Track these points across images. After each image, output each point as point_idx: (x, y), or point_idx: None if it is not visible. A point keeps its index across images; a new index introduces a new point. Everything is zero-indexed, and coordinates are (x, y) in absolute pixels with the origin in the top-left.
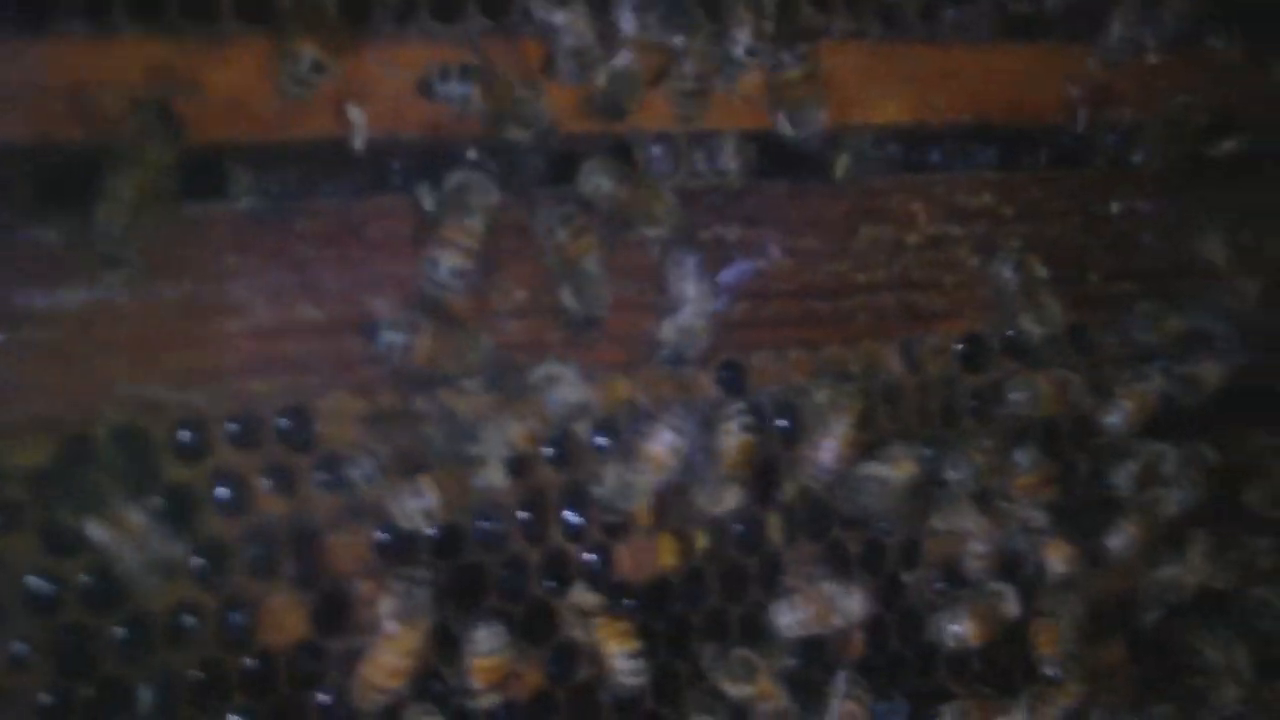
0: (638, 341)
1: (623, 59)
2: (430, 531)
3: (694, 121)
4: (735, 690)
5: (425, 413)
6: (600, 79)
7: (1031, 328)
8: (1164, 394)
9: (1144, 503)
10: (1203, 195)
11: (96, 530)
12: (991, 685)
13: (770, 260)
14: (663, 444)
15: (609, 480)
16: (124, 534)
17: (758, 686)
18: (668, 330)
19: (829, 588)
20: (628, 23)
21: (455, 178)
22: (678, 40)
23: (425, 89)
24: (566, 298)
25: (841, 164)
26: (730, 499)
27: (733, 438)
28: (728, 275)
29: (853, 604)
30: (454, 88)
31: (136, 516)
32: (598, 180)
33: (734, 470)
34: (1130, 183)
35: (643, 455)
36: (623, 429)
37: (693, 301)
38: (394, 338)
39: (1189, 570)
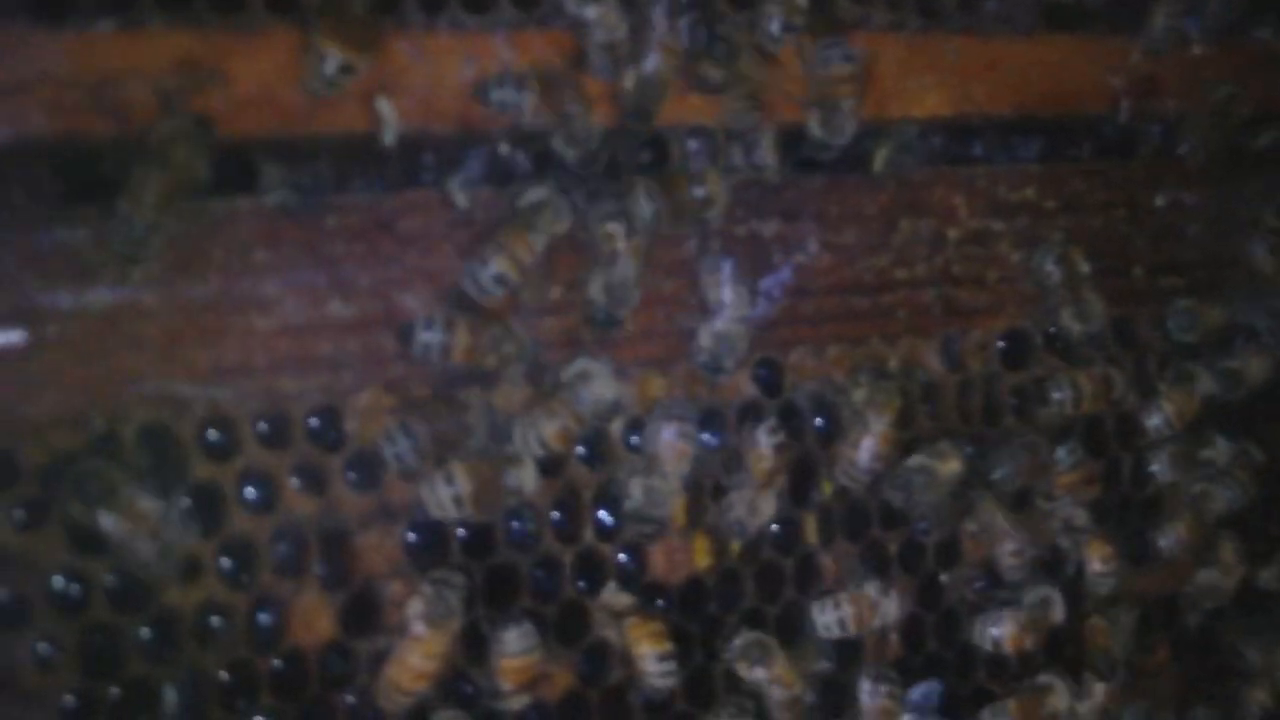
0: (673, 337)
1: (651, 63)
2: (460, 522)
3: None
4: (749, 674)
5: (466, 403)
6: (629, 83)
7: (1072, 324)
8: (1208, 394)
9: (1192, 500)
10: (1246, 188)
11: (108, 521)
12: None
13: (808, 255)
14: (669, 438)
15: (635, 492)
16: (136, 523)
17: (772, 671)
18: (704, 337)
19: (870, 589)
20: (660, 23)
21: (535, 193)
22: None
23: (481, 93)
24: (595, 290)
25: (881, 157)
26: (767, 509)
27: (765, 449)
28: (767, 282)
29: (891, 606)
30: (509, 94)
31: (147, 504)
32: (644, 205)
33: (771, 478)
34: (1174, 175)
35: (656, 458)
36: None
37: (730, 307)
38: (430, 337)
39: (1224, 573)
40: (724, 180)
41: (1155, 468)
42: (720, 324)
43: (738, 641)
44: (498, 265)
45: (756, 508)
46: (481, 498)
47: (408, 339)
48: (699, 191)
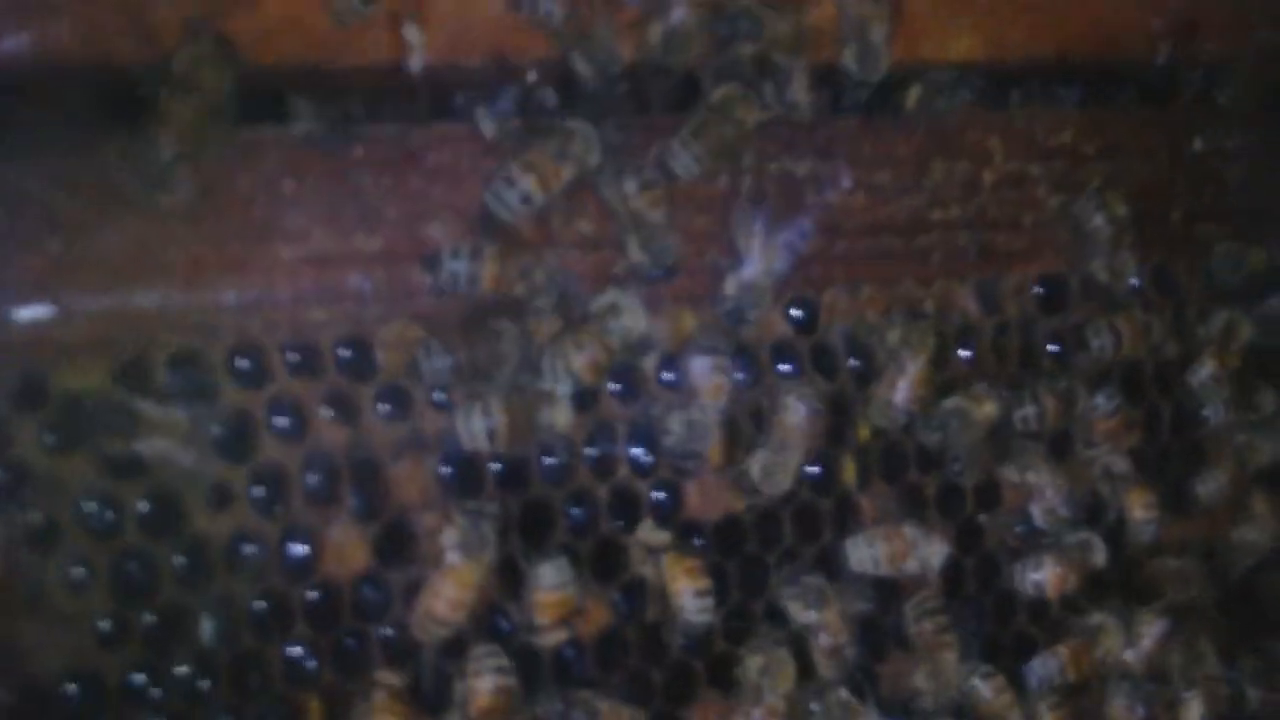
0: (705, 273)
1: (678, 14)
2: (493, 455)
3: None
4: (802, 616)
5: (499, 331)
6: (654, 37)
7: (1101, 275)
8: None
9: (1237, 449)
10: None
11: (142, 445)
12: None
13: (841, 192)
14: (704, 371)
15: (675, 427)
16: (169, 436)
17: (825, 615)
18: (731, 285)
19: (910, 530)
20: None
21: (571, 123)
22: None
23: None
24: (634, 251)
25: (913, 95)
26: (785, 479)
27: (793, 415)
28: (789, 234)
29: (932, 552)
30: (542, 2)
31: (176, 415)
32: (687, 162)
33: (795, 446)
34: (1216, 119)
35: (693, 390)
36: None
37: (758, 259)
38: (458, 266)
39: (1260, 528)
40: (754, 105)
41: (1208, 411)
42: (747, 274)
43: (796, 587)
44: (525, 185)
45: (772, 474)
46: (515, 433)
47: (435, 268)
48: (731, 128)
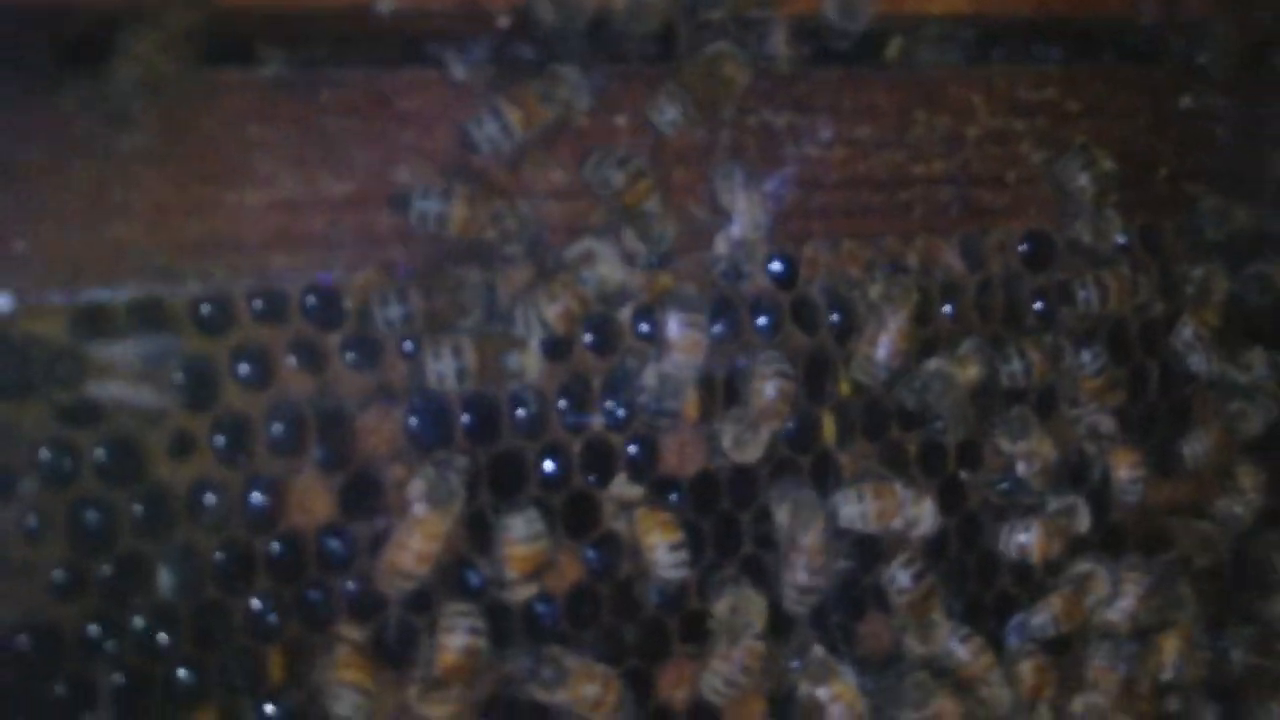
0: (683, 225)
1: None
2: (462, 398)
3: None
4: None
5: (463, 279)
6: (619, 4)
7: (1085, 236)
8: (1232, 296)
9: (1229, 418)
10: (1275, 98)
11: (96, 388)
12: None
13: (821, 145)
14: (677, 327)
15: (650, 381)
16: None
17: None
18: (721, 244)
19: (901, 489)
20: None
21: (561, 69)
22: None
23: None
24: (630, 241)
25: (895, 45)
26: (755, 450)
27: (769, 387)
28: (771, 184)
29: (922, 513)
30: None
31: (127, 353)
32: (670, 114)
33: (765, 420)
34: (1200, 80)
35: (667, 346)
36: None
37: (744, 213)
38: (428, 206)
39: (1243, 502)
40: (744, 65)
41: (1193, 362)
42: (737, 230)
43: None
44: (510, 116)
45: (745, 446)
46: (484, 374)
47: (404, 207)
48: (717, 82)
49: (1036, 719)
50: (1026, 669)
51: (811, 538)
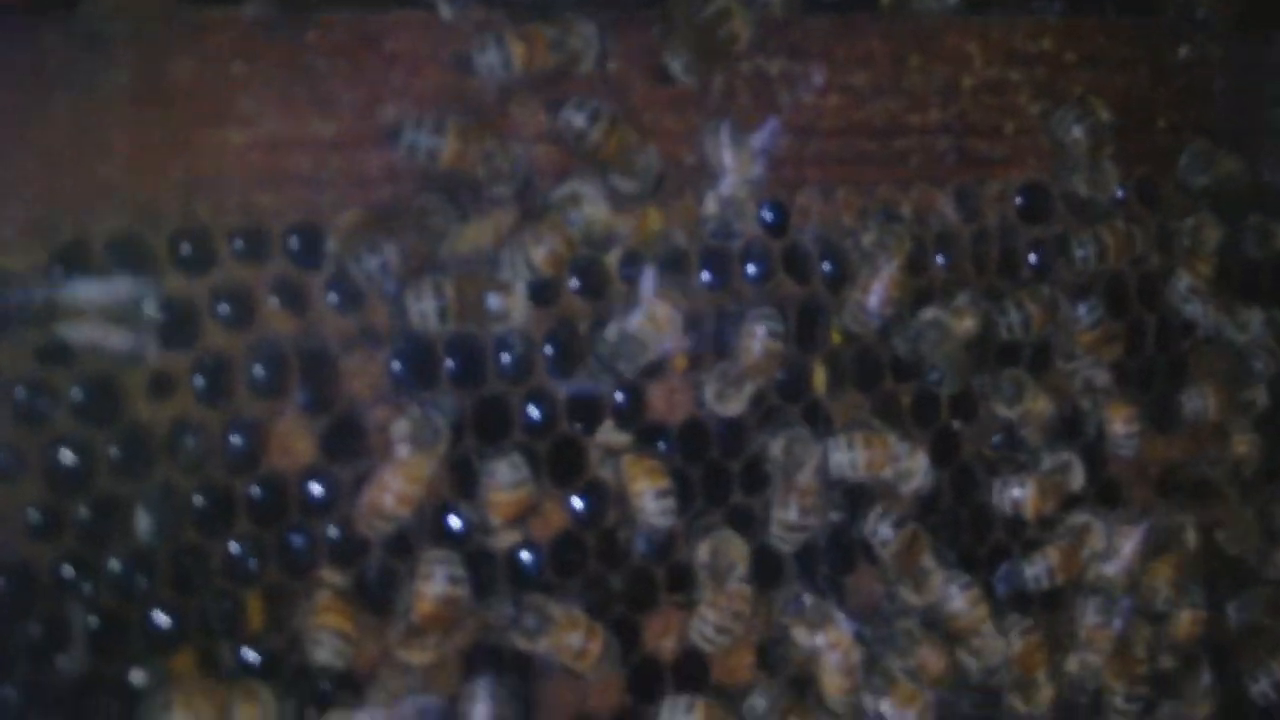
0: (672, 171)
1: None
2: (443, 337)
3: None
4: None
5: (427, 205)
6: None
7: (1082, 189)
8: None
9: (1227, 374)
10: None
11: (69, 330)
12: None
13: (815, 92)
14: (652, 289)
15: (610, 334)
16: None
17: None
18: (710, 204)
19: (894, 440)
20: None
21: (578, 21)
22: None
23: None
24: (620, 182)
25: None
26: (737, 405)
27: (757, 343)
28: (759, 138)
29: (915, 467)
30: None
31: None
32: (673, 63)
33: (753, 375)
34: (1198, 32)
35: (638, 304)
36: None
37: (732, 170)
38: (418, 138)
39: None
40: (749, 15)
41: (1190, 309)
42: (726, 188)
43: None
44: (514, 50)
45: (728, 399)
46: (465, 312)
47: (395, 139)
48: (724, 31)
49: (1035, 688)
50: (1016, 635)
51: (805, 476)
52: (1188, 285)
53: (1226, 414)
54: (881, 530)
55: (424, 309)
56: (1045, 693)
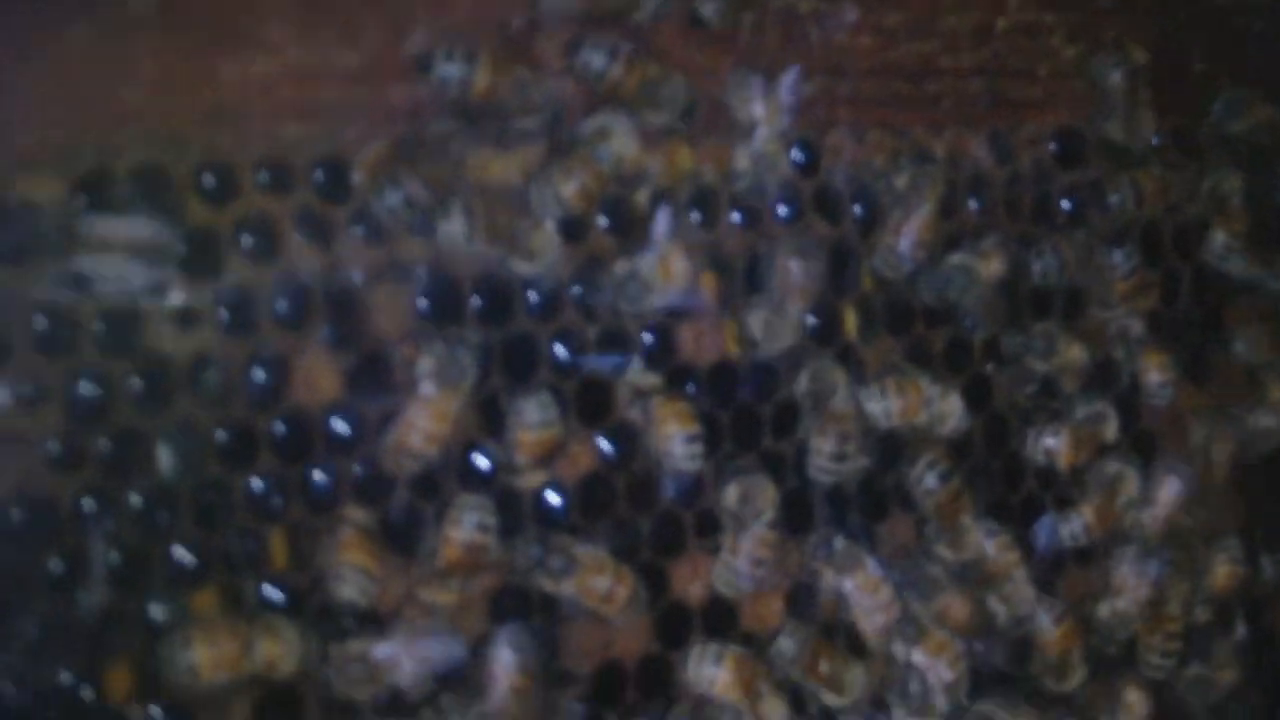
0: (704, 108)
1: None
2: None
3: None
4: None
5: (444, 132)
6: None
7: (1118, 134)
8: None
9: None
10: None
11: (86, 262)
12: None
13: (847, 31)
14: (666, 233)
15: (619, 271)
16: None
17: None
18: (742, 159)
19: (927, 385)
20: None
21: None
22: None
23: None
24: (652, 116)
25: None
26: (788, 335)
27: (794, 264)
28: (788, 87)
29: (949, 410)
30: None
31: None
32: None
33: (792, 298)
34: None
35: (651, 244)
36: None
37: (763, 123)
38: (451, 70)
39: (1276, 415)
40: None
41: (1229, 264)
42: (757, 143)
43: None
44: None
45: (774, 330)
46: (494, 233)
47: (426, 68)
48: None
49: (1069, 669)
50: (1049, 623)
51: (840, 401)
52: (1223, 243)
53: (1274, 357)
54: (928, 479)
55: (452, 230)
56: (1078, 674)
